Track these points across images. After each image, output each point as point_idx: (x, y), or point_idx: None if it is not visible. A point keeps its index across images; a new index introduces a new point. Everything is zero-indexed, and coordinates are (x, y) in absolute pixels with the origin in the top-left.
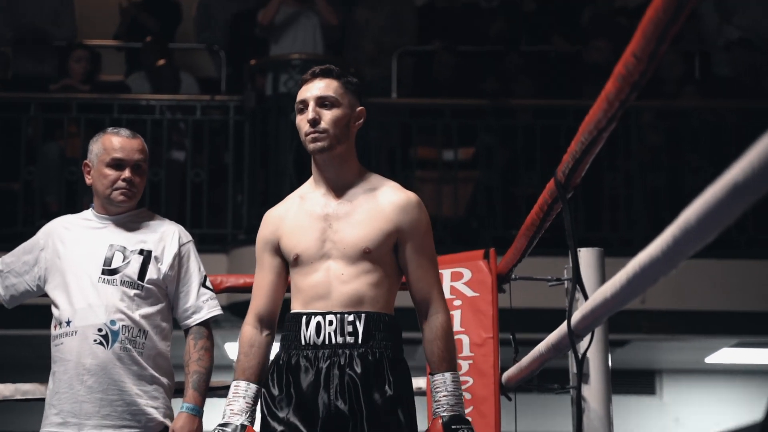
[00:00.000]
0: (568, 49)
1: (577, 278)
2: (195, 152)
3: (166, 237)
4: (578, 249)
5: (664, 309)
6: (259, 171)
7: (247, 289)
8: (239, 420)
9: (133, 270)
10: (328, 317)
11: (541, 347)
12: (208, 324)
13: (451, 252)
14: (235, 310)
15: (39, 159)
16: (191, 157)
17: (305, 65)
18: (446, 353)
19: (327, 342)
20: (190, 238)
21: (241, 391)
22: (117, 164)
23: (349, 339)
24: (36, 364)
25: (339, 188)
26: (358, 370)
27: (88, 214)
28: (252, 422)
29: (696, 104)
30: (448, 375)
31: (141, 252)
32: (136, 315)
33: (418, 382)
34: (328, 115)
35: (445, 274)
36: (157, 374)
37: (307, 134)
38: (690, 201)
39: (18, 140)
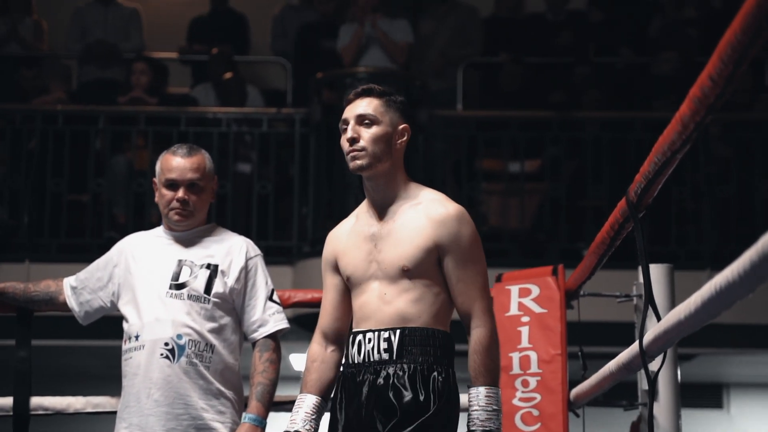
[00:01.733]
0: (636, 61)
1: (649, 298)
2: (261, 165)
3: (233, 251)
4: (648, 265)
5: (733, 323)
6: (325, 184)
7: (314, 304)
8: (294, 427)
9: (199, 284)
10: (368, 335)
11: (611, 366)
12: (275, 337)
13: (517, 264)
14: (301, 322)
15: (107, 171)
16: (257, 169)
17: (371, 79)
18: (482, 368)
19: (366, 360)
20: (258, 252)
21: (301, 402)
22: (171, 184)
23: (385, 355)
24: (108, 375)
25: (385, 207)
26: (390, 384)
27: (159, 230)
28: (310, 431)
29: (765, 115)
30: (482, 390)
31: (208, 266)
32: (203, 329)
33: None
34: (366, 133)
35: (513, 290)
36: (224, 388)
37: (347, 153)
38: (758, 214)
39: (87, 152)
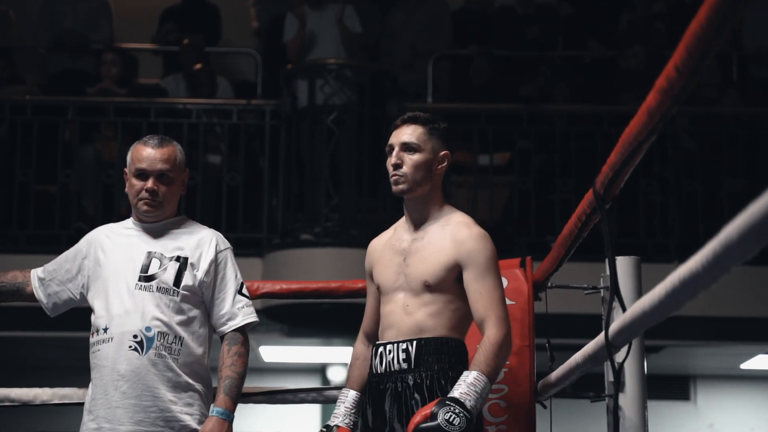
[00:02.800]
0: (605, 55)
1: (615, 290)
2: (231, 156)
3: (203, 244)
4: (615, 257)
5: (700, 315)
6: (294, 176)
7: (283, 295)
8: (335, 422)
9: (169, 276)
10: (388, 347)
11: (577, 357)
12: (243, 330)
13: None
14: (270, 314)
15: (76, 162)
16: (227, 161)
17: (341, 70)
18: (482, 358)
19: (388, 370)
20: (228, 245)
21: (344, 397)
22: (141, 174)
23: (404, 365)
24: (76, 366)
25: (419, 224)
26: (409, 393)
27: (129, 222)
28: (350, 424)
29: (733, 110)
30: (473, 372)
31: (177, 259)
32: (172, 321)
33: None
34: (409, 160)
35: None
36: (192, 381)
37: (391, 176)
38: (725, 208)
39: (55, 143)
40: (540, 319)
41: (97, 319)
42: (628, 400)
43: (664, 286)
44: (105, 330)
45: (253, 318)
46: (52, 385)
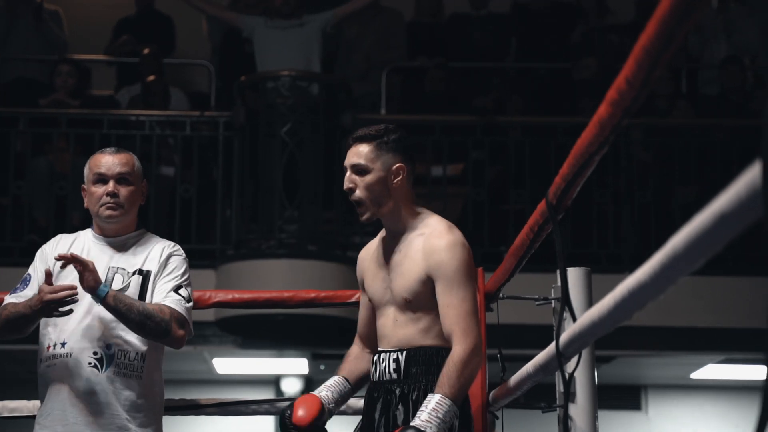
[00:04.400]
0: (558, 66)
1: (566, 300)
2: (184, 168)
3: (162, 254)
4: (566, 268)
5: (650, 325)
6: (248, 187)
7: (235, 304)
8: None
9: (132, 292)
10: (382, 356)
11: (528, 367)
12: (182, 316)
13: None
14: (223, 326)
15: (28, 173)
16: (180, 172)
17: (294, 82)
18: (445, 378)
19: (380, 379)
20: (182, 253)
21: (333, 378)
22: (100, 179)
23: (393, 375)
24: (25, 379)
25: (397, 237)
26: (395, 404)
27: (88, 234)
28: (324, 397)
29: (684, 122)
30: (436, 396)
31: (140, 272)
32: (133, 338)
33: None
34: (361, 182)
35: None
36: (149, 399)
37: (351, 199)
38: (677, 218)
39: (7, 154)
40: (492, 330)
41: (55, 332)
42: (579, 410)
43: (613, 297)
44: (63, 344)
45: (181, 310)
46: (2, 399)
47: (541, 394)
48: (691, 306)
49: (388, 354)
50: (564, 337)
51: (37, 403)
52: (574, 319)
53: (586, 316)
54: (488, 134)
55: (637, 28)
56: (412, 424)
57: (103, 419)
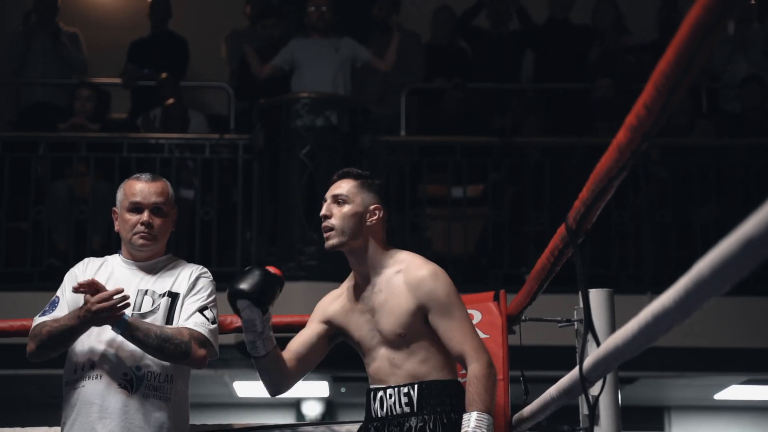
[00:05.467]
0: (576, 86)
1: (588, 324)
2: (204, 190)
3: (191, 276)
4: (588, 291)
5: (673, 346)
6: (268, 209)
7: None
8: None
9: (161, 314)
10: (388, 391)
11: (552, 391)
12: (203, 337)
13: (460, 289)
14: (243, 349)
15: (48, 198)
16: (200, 195)
17: (314, 104)
18: (475, 395)
19: (389, 414)
20: (209, 276)
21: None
22: (135, 208)
23: (406, 408)
24: (45, 403)
25: (371, 278)
26: None
27: (118, 259)
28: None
29: (704, 141)
30: (474, 414)
31: (169, 294)
32: (163, 361)
33: None
34: (338, 212)
35: None
36: (176, 420)
37: (322, 228)
38: (698, 238)
39: (27, 179)
40: (514, 352)
41: (84, 354)
42: None
43: (637, 322)
44: (92, 367)
45: (204, 331)
46: (23, 424)
47: (564, 416)
48: (714, 326)
49: (396, 389)
50: (588, 361)
51: (58, 429)
52: (598, 344)
53: (610, 341)
54: (507, 155)
55: (656, 49)
56: None
57: None
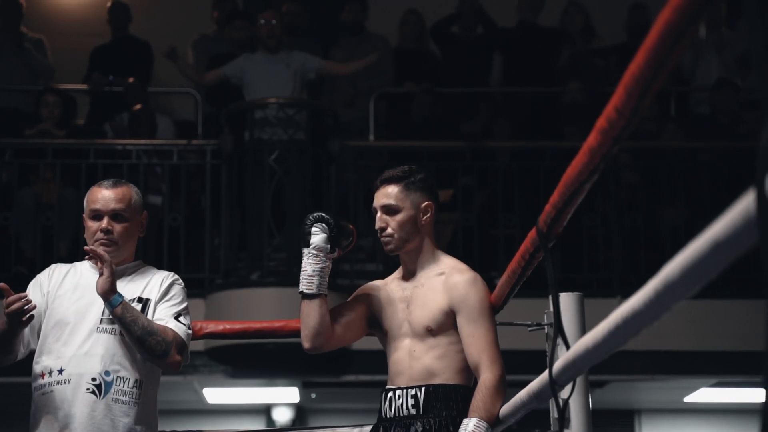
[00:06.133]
0: (546, 90)
1: (558, 328)
2: (172, 197)
3: (163, 283)
4: (558, 294)
5: (643, 349)
6: (237, 215)
7: (226, 334)
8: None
9: None
10: (398, 392)
11: (522, 395)
12: (182, 342)
13: None
14: (213, 356)
15: (14, 204)
16: (168, 201)
17: (281, 109)
18: (480, 403)
19: (397, 415)
20: (181, 283)
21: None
22: (95, 215)
23: (413, 411)
24: (11, 411)
25: (417, 274)
26: None
27: (86, 265)
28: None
29: (673, 144)
30: (473, 420)
31: (140, 300)
32: (133, 365)
33: None
34: (393, 222)
35: None
36: (146, 425)
37: (380, 237)
38: (667, 241)
39: None
40: None
41: (52, 359)
42: None
43: (607, 325)
44: (60, 371)
45: (183, 334)
46: None
47: (534, 420)
48: (682, 330)
49: (405, 390)
50: (558, 364)
51: None
52: (568, 347)
53: (579, 344)
54: (477, 159)
55: (625, 51)
56: None
57: None
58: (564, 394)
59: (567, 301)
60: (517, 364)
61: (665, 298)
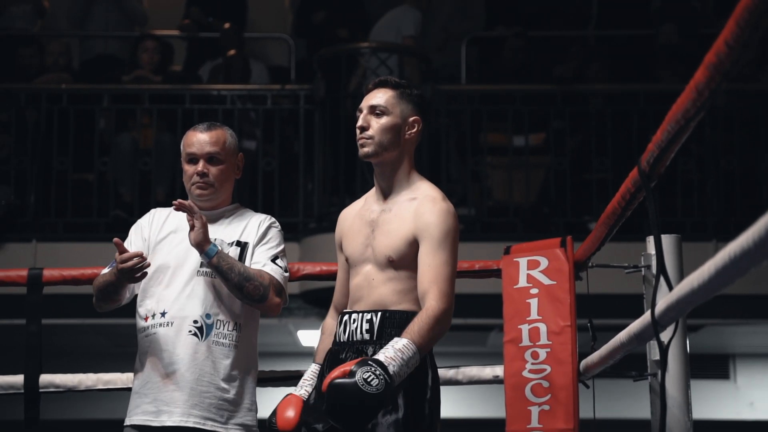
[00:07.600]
0: (639, 33)
1: (662, 268)
2: (266, 141)
3: (260, 226)
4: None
5: (739, 293)
6: (330, 159)
7: (323, 276)
8: (295, 391)
9: None
10: (353, 316)
11: (622, 336)
12: (280, 284)
13: (522, 238)
14: (307, 299)
15: (112, 150)
16: (262, 146)
17: (374, 54)
18: (416, 327)
19: (349, 339)
20: (278, 226)
21: (308, 370)
22: (191, 159)
23: (366, 336)
24: (115, 352)
25: (388, 195)
26: None
27: None
28: (304, 394)
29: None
30: (404, 340)
31: (238, 243)
32: (232, 308)
33: (495, 371)
34: (376, 123)
35: (522, 262)
36: (244, 370)
37: (358, 139)
38: (763, 185)
39: (91, 131)
40: (581, 299)
41: (154, 302)
42: (671, 379)
43: (714, 263)
44: (163, 314)
45: (279, 278)
46: (95, 371)
47: (629, 363)
48: None
49: (360, 314)
50: (660, 305)
51: (131, 375)
52: (670, 288)
53: (684, 284)
54: (569, 103)
55: None
56: (375, 357)
57: (202, 386)
58: (665, 336)
59: (666, 242)
60: (610, 309)
61: None
